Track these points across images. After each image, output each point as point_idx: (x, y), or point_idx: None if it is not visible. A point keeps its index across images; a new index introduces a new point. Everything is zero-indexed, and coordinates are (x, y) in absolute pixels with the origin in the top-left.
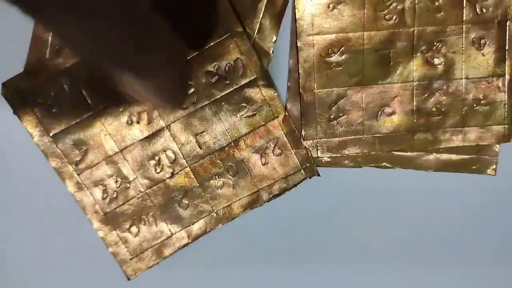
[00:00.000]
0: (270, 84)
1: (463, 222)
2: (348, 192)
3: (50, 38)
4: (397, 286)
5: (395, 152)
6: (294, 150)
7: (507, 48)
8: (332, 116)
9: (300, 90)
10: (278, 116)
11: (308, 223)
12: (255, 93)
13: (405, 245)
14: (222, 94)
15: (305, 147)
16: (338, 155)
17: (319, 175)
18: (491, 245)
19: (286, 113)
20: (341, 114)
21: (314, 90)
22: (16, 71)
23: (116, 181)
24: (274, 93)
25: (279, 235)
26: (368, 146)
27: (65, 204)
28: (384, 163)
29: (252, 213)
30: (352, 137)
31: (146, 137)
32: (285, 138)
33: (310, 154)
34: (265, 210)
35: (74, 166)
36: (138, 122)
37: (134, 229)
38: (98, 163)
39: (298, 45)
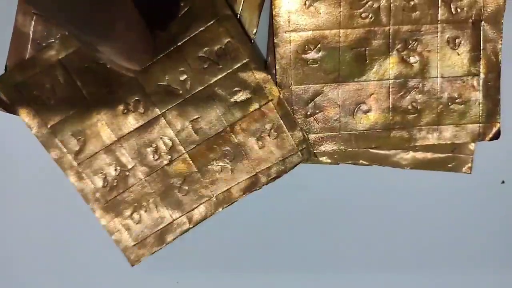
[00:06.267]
0: (262, 67)
1: (438, 220)
2: (325, 188)
3: (31, 33)
4: (383, 284)
5: (372, 150)
6: (290, 132)
7: (481, 47)
8: (308, 113)
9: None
10: (272, 99)
11: (284, 220)
12: (248, 76)
13: (382, 242)
14: (216, 79)
15: (300, 128)
16: (315, 151)
17: (315, 156)
18: (466, 243)
19: (281, 95)
20: (317, 111)
21: (291, 87)
22: None
23: (116, 170)
24: (267, 75)
25: (255, 233)
26: (344, 143)
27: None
28: (361, 160)
29: (228, 210)
30: (328, 133)
31: (142, 125)
32: (281, 120)
33: (306, 136)
34: (242, 208)
35: (73, 156)
36: (133, 111)
37: (135, 216)
38: (97, 152)
39: (274, 41)
